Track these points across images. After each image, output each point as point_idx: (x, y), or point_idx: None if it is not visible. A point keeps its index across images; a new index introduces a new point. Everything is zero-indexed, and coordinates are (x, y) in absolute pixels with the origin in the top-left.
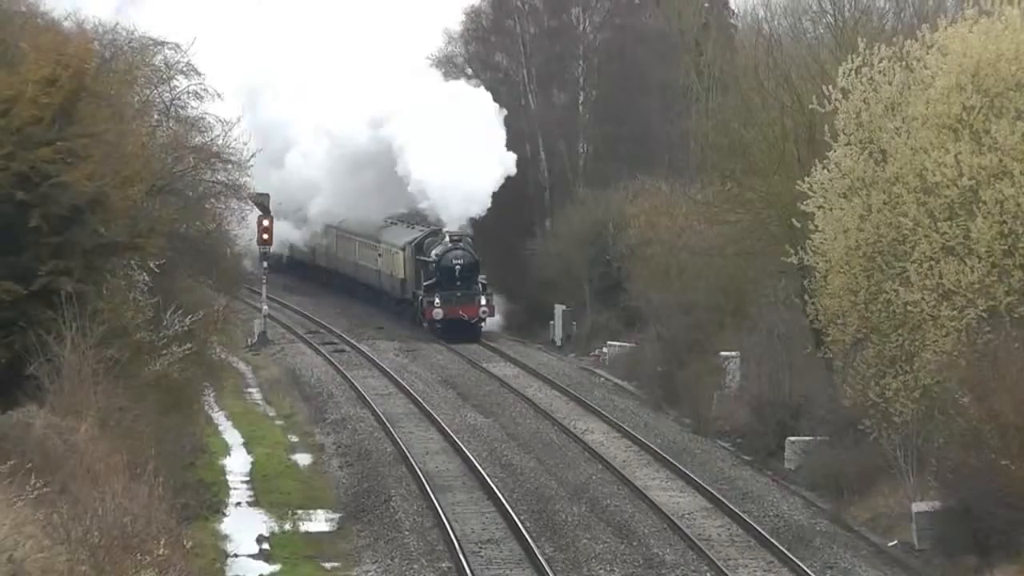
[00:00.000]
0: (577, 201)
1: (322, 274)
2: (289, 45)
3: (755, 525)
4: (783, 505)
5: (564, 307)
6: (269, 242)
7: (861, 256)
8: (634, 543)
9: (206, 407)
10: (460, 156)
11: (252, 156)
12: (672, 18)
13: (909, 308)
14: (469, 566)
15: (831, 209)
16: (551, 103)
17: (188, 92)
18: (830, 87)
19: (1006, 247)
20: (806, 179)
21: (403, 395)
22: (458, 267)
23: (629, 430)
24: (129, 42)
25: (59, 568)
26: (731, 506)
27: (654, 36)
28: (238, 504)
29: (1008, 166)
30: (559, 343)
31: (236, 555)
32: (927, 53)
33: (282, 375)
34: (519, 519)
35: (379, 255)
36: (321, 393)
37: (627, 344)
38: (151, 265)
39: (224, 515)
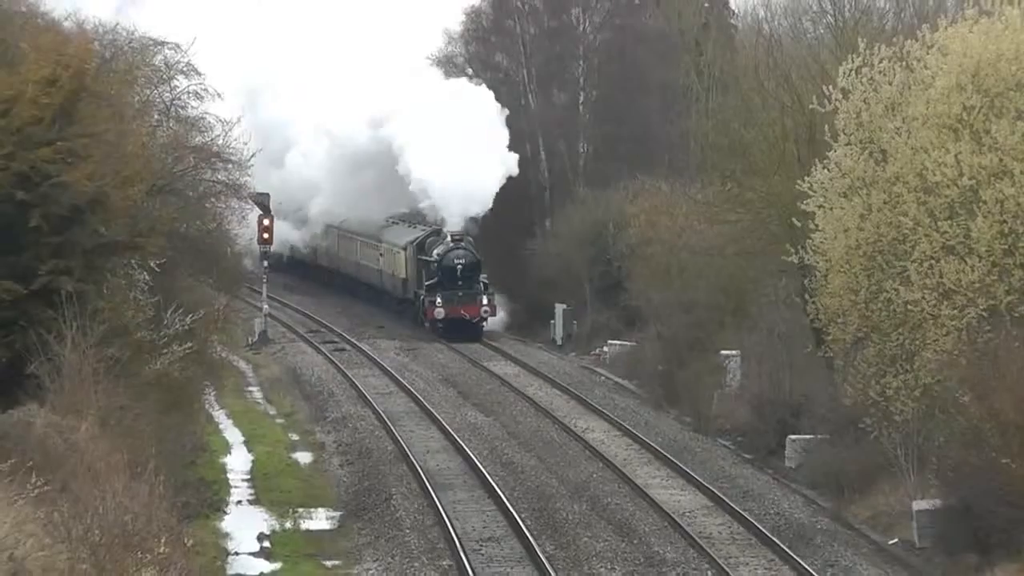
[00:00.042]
0: (577, 201)
1: (323, 274)
2: (289, 45)
3: (756, 523)
4: (784, 503)
5: (565, 306)
6: (269, 241)
7: (861, 255)
8: (635, 541)
9: (207, 406)
10: (462, 155)
11: (252, 156)
12: (672, 18)
13: (909, 307)
14: (470, 564)
15: (831, 209)
16: (551, 103)
17: (188, 92)
18: (830, 87)
19: (1006, 246)
20: (806, 179)
21: (404, 394)
22: (460, 267)
23: (630, 428)
24: (129, 42)
25: (60, 566)
26: (732, 504)
27: (654, 36)
28: (239, 502)
29: (1008, 166)
30: (560, 342)
31: (237, 553)
32: (927, 53)
33: (283, 374)
34: (520, 517)
35: (381, 255)
36: (322, 392)
37: (628, 343)
38: (151, 264)
39: (225, 513)
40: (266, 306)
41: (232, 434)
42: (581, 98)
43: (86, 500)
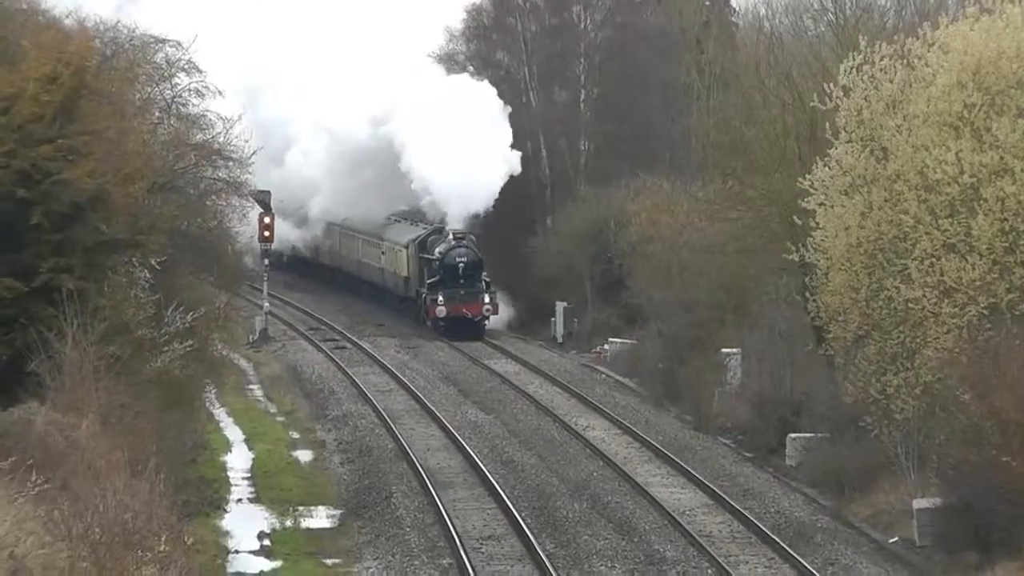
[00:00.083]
0: (578, 199)
1: (325, 272)
2: (290, 43)
3: (756, 522)
4: (784, 502)
5: (565, 304)
6: (270, 239)
7: (862, 253)
8: (635, 539)
9: (207, 404)
10: (464, 152)
11: (253, 153)
12: (673, 16)
13: (910, 305)
14: (470, 562)
15: (832, 206)
16: (552, 101)
17: (189, 89)
18: (831, 85)
19: (1007, 244)
20: (807, 176)
21: (404, 392)
22: (462, 265)
23: (630, 427)
24: (130, 40)
25: (60, 565)
26: (732, 503)
27: (655, 34)
28: (239, 500)
29: (1009, 163)
30: (560, 340)
31: (237, 551)
32: (928, 51)
33: (283, 372)
34: (520, 515)
35: (382, 253)
36: (322, 390)
37: (628, 341)
38: (152, 262)
39: (225, 511)
40: (267, 304)
41: (232, 432)
42: (582, 96)
43: (86, 498)
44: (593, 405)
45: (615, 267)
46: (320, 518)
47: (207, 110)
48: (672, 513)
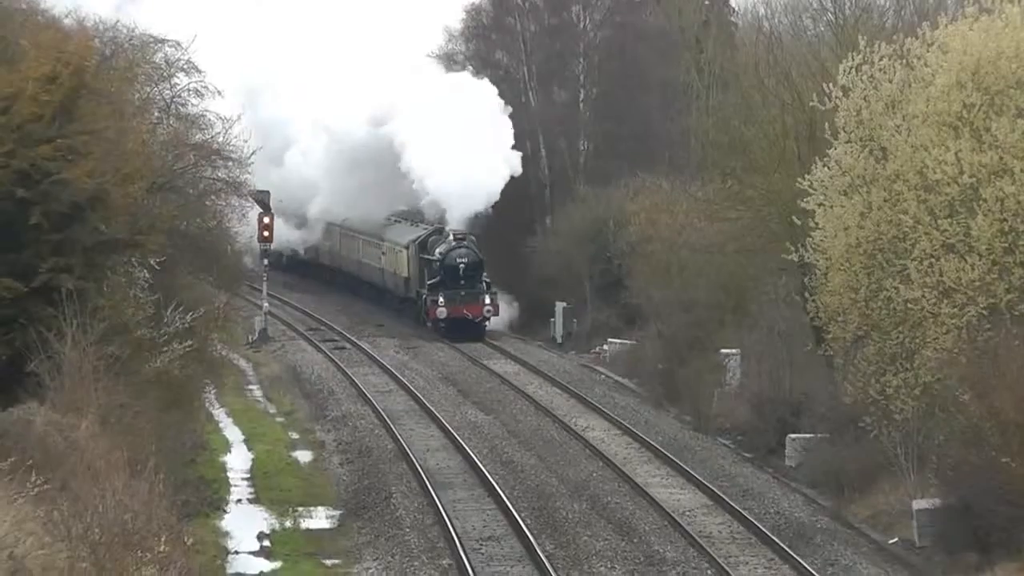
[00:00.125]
0: (578, 199)
1: (325, 272)
2: (289, 42)
3: (756, 522)
4: (784, 502)
5: (565, 304)
6: (270, 239)
7: (861, 253)
8: (635, 540)
9: (207, 404)
10: (464, 151)
11: (253, 153)
12: (672, 16)
13: (909, 305)
14: (470, 563)
15: (831, 206)
16: (552, 101)
17: (188, 89)
18: (831, 85)
19: (1006, 245)
20: (807, 176)
21: (404, 392)
22: (462, 266)
23: (630, 427)
24: (129, 39)
25: (59, 565)
26: (732, 503)
27: (655, 34)
28: (239, 501)
29: (1008, 164)
30: (560, 340)
31: (237, 552)
32: (927, 51)
33: (283, 372)
34: (520, 516)
35: (383, 253)
36: (322, 390)
37: (628, 341)
38: (152, 262)
39: (225, 512)
40: (266, 304)
41: (232, 432)
42: (581, 95)
43: (86, 498)
44: (592, 405)
45: (614, 267)
46: (320, 519)
47: (206, 110)
48: (672, 514)
